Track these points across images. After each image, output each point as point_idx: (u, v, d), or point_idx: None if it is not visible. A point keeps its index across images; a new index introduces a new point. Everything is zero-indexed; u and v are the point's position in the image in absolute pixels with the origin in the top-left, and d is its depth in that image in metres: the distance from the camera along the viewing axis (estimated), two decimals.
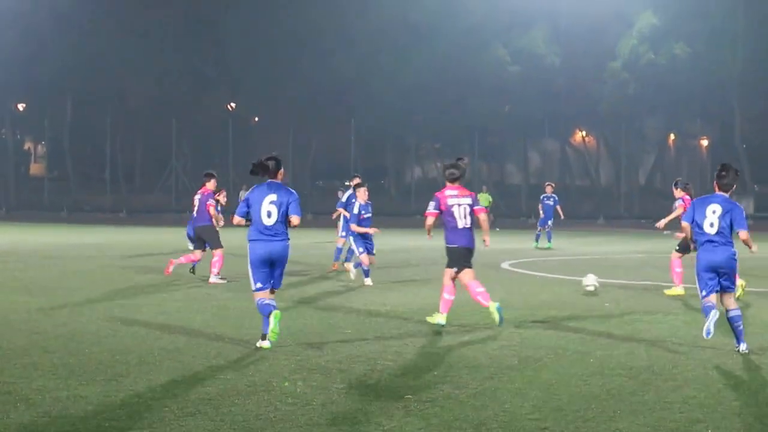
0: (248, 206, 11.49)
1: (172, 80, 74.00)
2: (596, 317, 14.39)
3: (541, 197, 34.49)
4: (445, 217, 13.10)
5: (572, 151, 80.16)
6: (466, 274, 13.21)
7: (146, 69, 72.26)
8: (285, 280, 12.37)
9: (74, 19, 72.16)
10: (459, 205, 13.04)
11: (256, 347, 11.14)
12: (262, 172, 11.56)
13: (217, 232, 19.87)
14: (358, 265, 19.52)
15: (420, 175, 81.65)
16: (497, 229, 50.18)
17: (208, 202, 19.78)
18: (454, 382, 9.37)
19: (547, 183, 36.68)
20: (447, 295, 13.20)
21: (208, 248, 19.89)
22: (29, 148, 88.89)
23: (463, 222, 13.06)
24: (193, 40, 73.03)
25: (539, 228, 34.28)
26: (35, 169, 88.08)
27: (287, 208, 11.43)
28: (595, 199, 71.43)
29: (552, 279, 21.02)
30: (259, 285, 11.43)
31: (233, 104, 79.04)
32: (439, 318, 13.18)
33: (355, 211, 19.47)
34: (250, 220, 11.49)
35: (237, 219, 11.58)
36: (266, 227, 11.37)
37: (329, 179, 77.90)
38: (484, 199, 47.79)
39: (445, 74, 67.40)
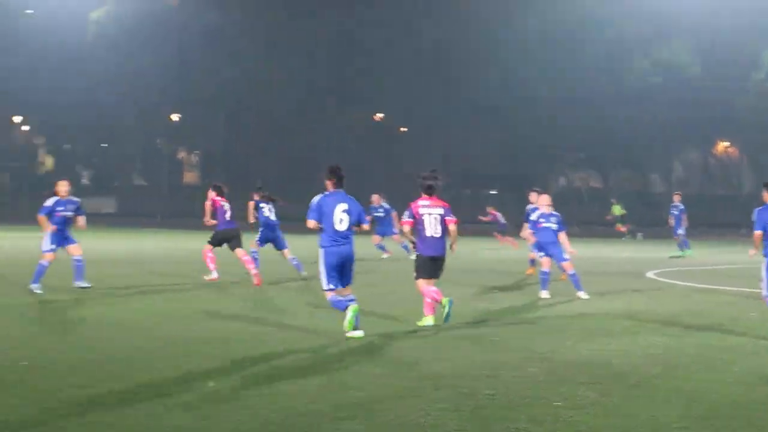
0: (320, 213, 12.34)
1: (319, 92, 75.05)
2: (740, 327, 14.08)
3: (670, 207, 34.29)
4: (416, 226, 13.59)
5: (714, 161, 78.36)
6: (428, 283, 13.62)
7: (294, 81, 73.43)
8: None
9: (226, 32, 73.92)
10: (430, 214, 13.53)
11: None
12: (338, 181, 12.50)
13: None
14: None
15: (564, 184, 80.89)
16: (639, 237, 49.33)
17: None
18: (600, 390, 9.26)
19: (674, 192, 36.31)
20: (429, 299, 13.50)
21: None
22: (182, 157, 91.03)
23: (431, 231, 13.51)
24: (340, 52, 73.85)
25: (675, 237, 33.99)
26: (188, 177, 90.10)
27: (358, 216, 12.46)
28: (737, 208, 69.61)
29: (696, 288, 20.64)
30: (331, 286, 12.36)
31: (380, 114, 79.55)
32: (426, 320, 13.45)
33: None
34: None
35: (312, 224, 12.40)
36: (338, 233, 12.23)
37: (476, 188, 77.68)
38: (617, 210, 47.60)
39: (588, 84, 66.77)
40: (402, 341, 12.25)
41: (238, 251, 20.96)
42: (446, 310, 13.22)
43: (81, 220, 18.73)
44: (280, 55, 73.10)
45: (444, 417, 8.13)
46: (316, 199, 12.54)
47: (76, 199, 18.67)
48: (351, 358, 10.94)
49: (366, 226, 12.68)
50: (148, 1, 76.16)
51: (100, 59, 75.18)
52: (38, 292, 17.51)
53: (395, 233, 30.46)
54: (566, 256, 18.46)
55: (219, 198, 21.26)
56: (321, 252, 12.40)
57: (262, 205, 22.38)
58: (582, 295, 18.10)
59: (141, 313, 14.91)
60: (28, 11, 79.03)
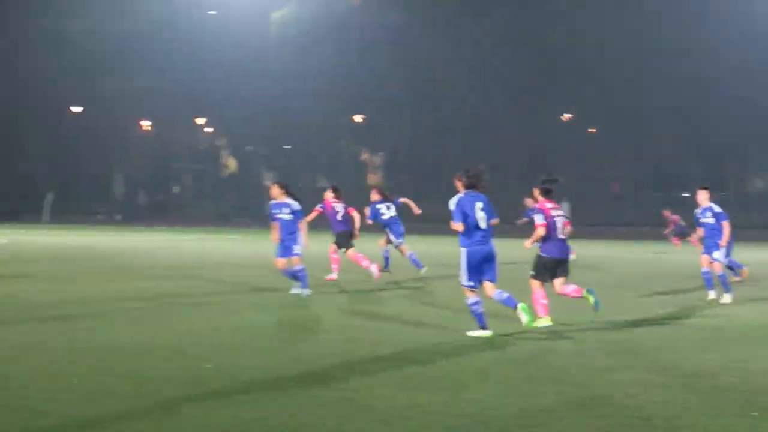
0: (464, 214, 12.67)
1: (506, 91, 74.67)
2: None
3: None
4: (547, 229, 13.83)
5: None
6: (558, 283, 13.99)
7: (480, 80, 73.39)
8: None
9: (409, 31, 74.51)
10: (558, 216, 13.94)
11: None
12: (477, 182, 12.91)
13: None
14: None
15: (762, 186, 78.46)
16: None
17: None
18: None
19: None
20: (543, 300, 13.78)
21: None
22: (366, 158, 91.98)
23: (560, 233, 13.88)
24: (528, 51, 73.36)
25: None
26: (372, 179, 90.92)
27: (490, 213, 12.88)
28: None
29: None
30: (472, 283, 12.79)
31: (568, 115, 78.65)
32: (542, 321, 13.55)
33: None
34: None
35: (458, 225, 12.68)
36: (482, 231, 12.71)
37: (667, 190, 75.96)
38: None
39: None
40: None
41: (349, 252, 21.30)
42: (592, 299, 13.64)
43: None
44: (464, 54, 73.20)
45: (633, 426, 8.03)
46: (453, 200, 12.81)
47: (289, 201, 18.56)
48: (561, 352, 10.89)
49: (496, 221, 12.99)
50: (330, 1, 77.50)
51: (283, 60, 76.79)
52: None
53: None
54: (716, 255, 18.22)
55: (334, 200, 21.50)
56: (463, 251, 12.78)
57: (379, 205, 22.63)
58: (725, 298, 17.92)
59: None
60: (211, 12, 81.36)
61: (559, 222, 13.89)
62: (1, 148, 79.82)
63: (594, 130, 78.88)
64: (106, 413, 8.12)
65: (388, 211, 23.06)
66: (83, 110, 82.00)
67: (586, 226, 66.28)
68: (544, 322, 13.52)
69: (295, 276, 18.28)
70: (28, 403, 8.43)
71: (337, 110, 78.83)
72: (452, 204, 12.73)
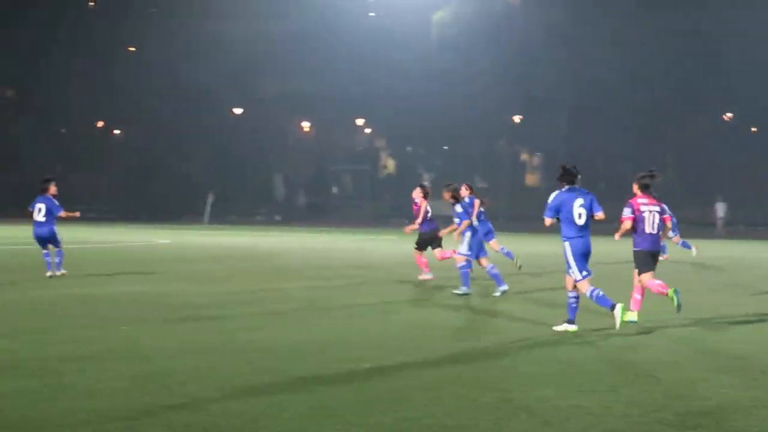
0: (557, 210, 13.44)
1: (664, 90, 73.25)
2: None
3: None
4: (635, 223, 14.35)
5: None
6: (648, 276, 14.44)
7: (639, 79, 72.20)
8: None
9: (570, 31, 73.79)
10: (650, 211, 14.39)
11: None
12: (570, 177, 13.56)
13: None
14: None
15: None
16: None
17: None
18: None
19: None
20: (637, 295, 14.56)
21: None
22: (524, 159, 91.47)
23: (650, 228, 14.35)
24: (687, 49, 71.82)
25: None
26: (530, 180, 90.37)
27: (591, 207, 13.47)
28: None
29: None
30: (585, 273, 13.39)
31: (729, 114, 76.72)
32: (631, 315, 13.88)
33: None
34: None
35: (548, 221, 13.61)
36: (579, 227, 13.34)
37: None
38: None
39: None
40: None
41: (436, 252, 21.44)
42: (676, 300, 13.76)
43: None
44: (624, 53, 72.10)
45: None
46: (552, 196, 13.60)
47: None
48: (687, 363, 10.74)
49: (600, 215, 13.48)
50: (490, 0, 77.42)
51: (442, 61, 77.01)
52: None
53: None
54: None
55: (424, 199, 21.60)
56: (567, 243, 13.48)
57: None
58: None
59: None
60: (371, 14, 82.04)
61: (650, 217, 14.37)
62: (164, 150, 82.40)
63: (755, 129, 76.82)
64: (258, 411, 8.30)
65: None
66: (243, 112, 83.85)
67: (748, 226, 65.02)
68: (632, 316, 13.95)
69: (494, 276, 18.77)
70: (187, 400, 8.66)
71: (495, 110, 78.69)
72: (550, 200, 13.56)
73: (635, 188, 14.53)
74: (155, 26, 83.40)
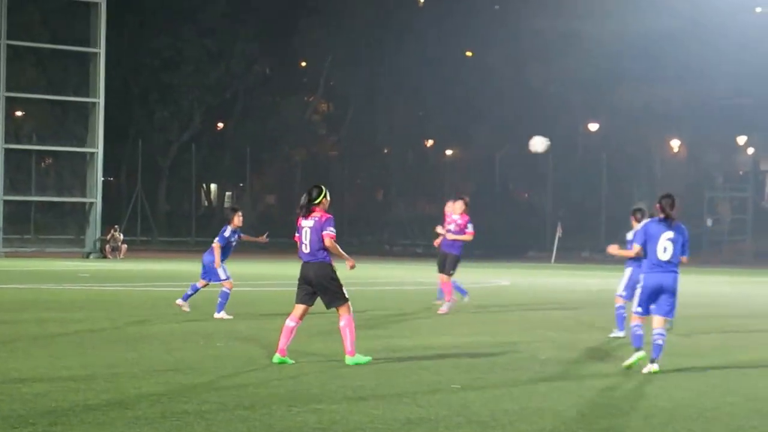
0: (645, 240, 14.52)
1: None
2: None
3: None
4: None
5: None
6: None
7: None
8: None
9: None
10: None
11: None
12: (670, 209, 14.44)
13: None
14: None
15: None
16: None
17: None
18: None
19: None
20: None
21: None
22: None
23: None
24: None
25: None
26: None
27: (682, 246, 14.52)
28: None
29: None
30: (639, 309, 14.58)
31: None
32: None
33: None
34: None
35: (636, 249, 14.85)
36: (660, 261, 14.36)
37: None
38: None
39: None
40: None
41: None
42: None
43: None
44: None
45: None
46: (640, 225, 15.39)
47: None
48: None
49: (684, 259, 14.57)
50: None
51: None
52: None
53: None
54: None
55: None
56: (641, 277, 14.65)
57: None
58: None
59: None
60: (758, 9, 77.47)
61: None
62: (504, 173, 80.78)
63: None
64: None
65: None
66: (599, 127, 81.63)
67: None
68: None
69: None
70: None
71: None
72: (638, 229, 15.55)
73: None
74: (496, 27, 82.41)
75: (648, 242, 14.32)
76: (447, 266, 22.91)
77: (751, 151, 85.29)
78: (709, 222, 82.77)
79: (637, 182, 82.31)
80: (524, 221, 79.13)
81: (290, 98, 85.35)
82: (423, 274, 41.90)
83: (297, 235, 14.54)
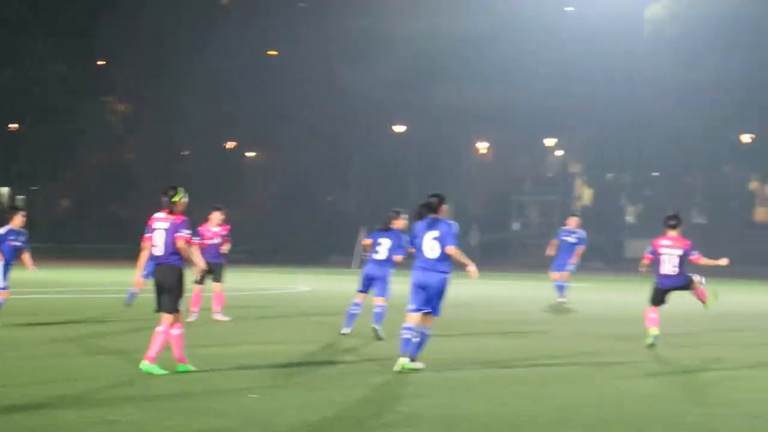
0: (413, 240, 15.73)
1: None
2: None
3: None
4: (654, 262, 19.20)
5: None
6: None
7: None
8: None
9: None
10: (669, 255, 18.97)
11: None
12: (427, 210, 15.76)
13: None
14: None
15: None
16: None
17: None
18: None
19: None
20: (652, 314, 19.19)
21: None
22: (755, 189, 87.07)
23: (667, 269, 19.04)
24: None
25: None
26: (761, 214, 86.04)
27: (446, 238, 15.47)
28: None
29: None
30: (412, 307, 15.36)
31: None
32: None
33: None
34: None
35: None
36: (426, 260, 15.41)
37: None
38: None
39: None
40: None
41: None
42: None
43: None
44: None
45: None
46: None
47: None
48: None
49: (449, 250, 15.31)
50: None
51: (656, 68, 73.58)
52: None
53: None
54: None
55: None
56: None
57: None
58: None
59: None
60: (568, 8, 79.31)
61: (667, 258, 18.89)
62: (308, 176, 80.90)
63: None
64: None
65: None
66: (407, 129, 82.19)
67: None
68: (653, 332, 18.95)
69: None
70: None
71: (719, 128, 75.24)
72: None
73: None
74: (302, 26, 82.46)
75: (413, 241, 15.53)
76: (216, 276, 23.68)
77: (559, 153, 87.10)
78: (516, 226, 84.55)
79: (443, 184, 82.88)
80: (328, 225, 79.05)
81: (87, 99, 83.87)
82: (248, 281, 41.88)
83: (148, 235, 14.69)
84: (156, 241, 14.55)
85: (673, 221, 18.99)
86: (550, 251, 31.24)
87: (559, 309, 29.67)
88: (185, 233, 14.51)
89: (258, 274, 51.09)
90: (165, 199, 14.66)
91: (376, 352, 17.76)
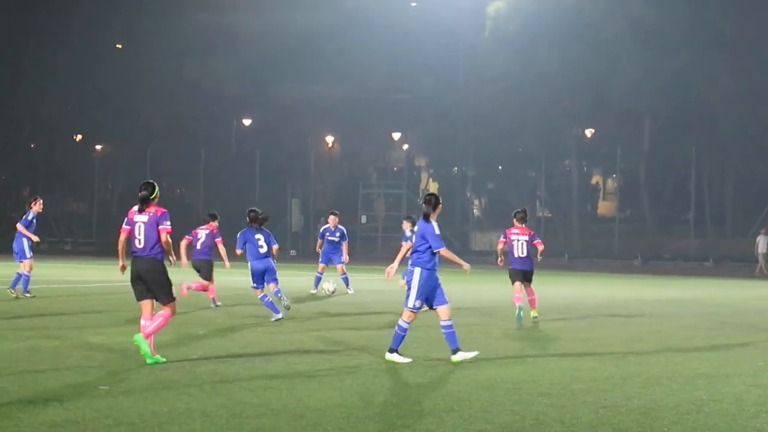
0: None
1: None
2: None
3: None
4: (508, 247, 22.80)
5: None
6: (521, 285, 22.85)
7: (747, 86, 68.70)
8: None
9: (654, 28, 70.88)
10: (518, 240, 22.63)
11: None
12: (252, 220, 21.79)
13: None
14: None
15: None
16: None
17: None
18: None
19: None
20: (517, 294, 22.93)
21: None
22: (597, 182, 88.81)
23: (518, 252, 22.67)
24: None
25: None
26: (604, 208, 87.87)
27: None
28: None
29: None
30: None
31: None
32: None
33: None
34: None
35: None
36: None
37: None
38: None
39: None
40: None
41: None
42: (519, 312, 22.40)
43: None
44: (730, 56, 68.85)
45: None
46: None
47: None
48: None
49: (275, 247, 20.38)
50: None
51: (498, 62, 74.43)
52: None
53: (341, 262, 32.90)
54: None
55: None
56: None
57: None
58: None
59: None
60: (413, 3, 79.98)
61: (517, 243, 22.55)
62: (156, 168, 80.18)
63: None
64: None
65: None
66: (253, 122, 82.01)
67: None
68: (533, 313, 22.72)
69: None
70: None
71: (562, 123, 76.70)
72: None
73: (514, 219, 22.91)
74: (148, 19, 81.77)
75: (248, 243, 23.05)
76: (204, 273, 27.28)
77: (405, 147, 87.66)
78: (363, 219, 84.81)
79: (291, 177, 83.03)
80: (177, 219, 78.50)
81: None
82: (73, 273, 41.48)
83: (127, 227, 15.06)
84: (137, 234, 14.96)
85: (521, 213, 22.97)
86: (319, 250, 33.29)
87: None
88: (167, 225, 14.97)
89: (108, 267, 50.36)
90: (144, 193, 15.12)
91: (230, 345, 17.79)
